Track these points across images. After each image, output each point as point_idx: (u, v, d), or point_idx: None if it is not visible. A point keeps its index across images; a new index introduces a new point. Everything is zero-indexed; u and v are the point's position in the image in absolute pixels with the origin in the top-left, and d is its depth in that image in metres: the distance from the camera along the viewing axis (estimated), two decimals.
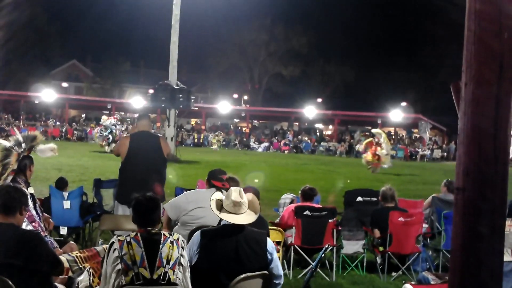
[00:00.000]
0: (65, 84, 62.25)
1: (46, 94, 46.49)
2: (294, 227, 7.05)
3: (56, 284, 4.09)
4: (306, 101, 52.96)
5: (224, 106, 49.84)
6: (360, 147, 27.65)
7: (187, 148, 37.91)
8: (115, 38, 67.88)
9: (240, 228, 4.17)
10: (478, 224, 2.59)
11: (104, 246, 4.79)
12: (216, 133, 45.57)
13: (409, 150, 43.12)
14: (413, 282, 5.53)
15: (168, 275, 3.71)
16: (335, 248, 7.17)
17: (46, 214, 5.84)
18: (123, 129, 29.44)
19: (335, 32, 58.15)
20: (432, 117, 48.38)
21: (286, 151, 43.43)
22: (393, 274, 7.16)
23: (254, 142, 46.63)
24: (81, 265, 4.68)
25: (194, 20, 41.74)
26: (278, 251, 5.60)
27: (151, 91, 27.01)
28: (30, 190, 5.34)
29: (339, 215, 7.68)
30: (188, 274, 3.86)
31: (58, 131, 43.53)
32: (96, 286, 4.45)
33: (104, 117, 32.05)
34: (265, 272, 4.12)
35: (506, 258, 4.08)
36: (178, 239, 3.86)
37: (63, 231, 7.54)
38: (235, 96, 65.75)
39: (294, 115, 52.88)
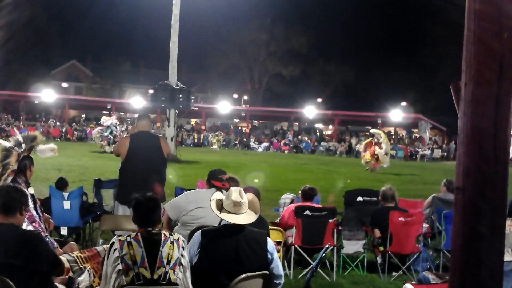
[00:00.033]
0: (65, 84, 62.22)
1: (46, 94, 46.52)
2: (294, 227, 7.05)
3: (56, 284, 4.09)
4: (306, 101, 52.97)
5: (224, 106, 49.84)
6: (360, 147, 27.65)
7: (187, 148, 37.91)
8: (115, 38, 67.94)
9: (240, 228, 4.17)
10: (478, 224, 2.59)
11: (105, 246, 4.80)
12: (216, 133, 45.59)
13: (409, 150, 43.13)
14: (413, 282, 5.52)
15: (169, 275, 3.71)
16: (335, 248, 7.17)
17: (46, 215, 5.84)
18: (123, 129, 29.46)
19: (335, 32, 58.23)
20: (432, 117, 48.40)
21: (286, 151, 43.43)
22: (394, 274, 7.16)
23: (254, 142, 46.64)
24: (82, 265, 4.68)
25: (194, 20, 41.77)
26: (278, 251, 5.61)
27: (151, 91, 27.00)
28: (30, 190, 5.34)
29: (339, 215, 7.68)
30: (188, 274, 3.86)
31: (58, 131, 43.54)
32: (96, 286, 4.46)
33: (104, 118, 31.98)
34: (266, 272, 4.12)
35: (507, 257, 4.08)
36: (178, 239, 3.87)
37: (64, 231, 7.54)
38: (235, 96, 65.74)
39: (294, 115, 52.88)
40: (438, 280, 4.82)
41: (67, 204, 7.69)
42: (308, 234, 7.07)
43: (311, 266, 6.67)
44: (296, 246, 7.00)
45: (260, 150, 44.21)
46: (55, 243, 5.16)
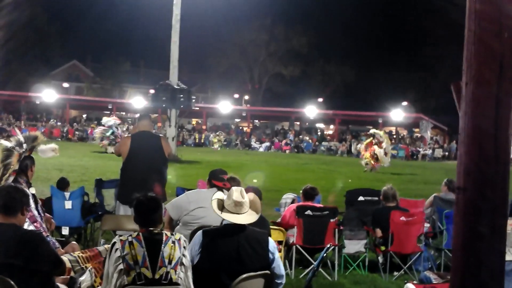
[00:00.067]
0: (65, 85, 62.22)
1: (47, 95, 46.55)
2: (295, 227, 7.05)
3: (58, 284, 4.09)
4: (306, 101, 52.94)
5: (225, 106, 49.83)
6: (361, 147, 27.66)
7: (188, 148, 37.94)
8: (115, 38, 67.86)
9: (241, 228, 4.17)
10: (479, 224, 2.59)
11: (106, 246, 4.80)
12: (217, 133, 45.59)
13: (410, 150, 43.12)
14: (415, 282, 5.52)
15: (170, 275, 3.72)
16: (336, 247, 7.17)
17: (47, 215, 5.85)
18: (124, 129, 29.45)
19: (335, 32, 58.15)
20: (433, 116, 48.36)
21: (287, 151, 43.42)
22: (395, 273, 7.17)
23: (255, 142, 46.62)
24: (83, 265, 4.69)
25: (194, 20, 41.74)
26: (279, 251, 5.61)
27: (152, 91, 27.04)
28: (32, 190, 5.35)
29: (340, 214, 7.68)
30: (190, 274, 3.87)
31: (59, 132, 43.60)
32: (98, 286, 4.46)
33: (106, 118, 31.84)
34: (267, 272, 4.12)
35: (508, 257, 4.08)
36: (179, 239, 3.87)
37: (65, 231, 7.55)
38: (236, 96, 65.74)
39: (295, 115, 52.85)
40: (440, 279, 4.82)
41: (68, 204, 7.70)
42: (309, 233, 7.07)
43: (312, 265, 6.67)
44: (297, 245, 7.00)
45: (261, 150, 44.20)
46: (56, 243, 5.17)
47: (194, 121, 57.84)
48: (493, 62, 2.58)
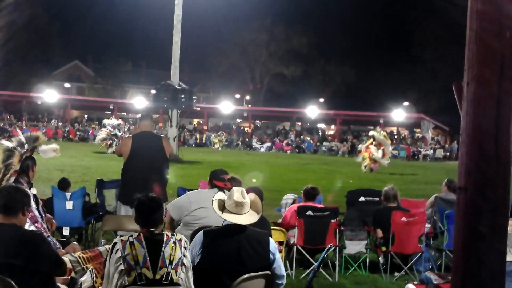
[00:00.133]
0: (67, 85, 62.31)
1: (48, 95, 46.61)
2: (296, 227, 7.05)
3: (58, 284, 4.10)
4: (307, 101, 52.97)
5: (226, 106, 49.86)
6: (361, 147, 27.69)
7: (189, 148, 37.94)
8: (117, 38, 67.85)
9: (242, 228, 4.17)
10: (479, 224, 2.59)
11: (107, 246, 4.80)
12: (219, 133, 45.60)
13: (411, 150, 43.09)
14: (415, 282, 5.53)
15: (171, 275, 3.72)
16: (337, 248, 7.17)
17: (48, 215, 5.85)
18: (125, 129, 29.47)
19: (335, 32, 58.17)
20: (434, 116, 48.35)
21: (288, 151, 43.43)
22: (396, 274, 7.16)
23: (256, 142, 46.62)
24: (84, 265, 4.69)
25: (195, 20, 41.72)
26: (280, 251, 5.61)
27: (153, 91, 27.05)
28: (33, 190, 5.35)
29: (341, 215, 7.68)
30: (190, 274, 3.87)
31: (61, 132, 43.67)
32: (98, 287, 4.46)
33: (107, 120, 31.74)
34: (268, 272, 4.12)
35: (509, 258, 4.07)
36: (180, 240, 3.87)
37: (66, 231, 7.56)
38: (237, 96, 65.76)
39: (296, 115, 52.86)
40: (441, 280, 4.81)
41: (69, 205, 7.71)
42: (310, 234, 7.07)
43: (313, 266, 6.68)
44: (298, 246, 7.00)
45: (262, 150, 44.20)
46: (57, 244, 5.17)
47: (195, 121, 57.89)
48: (494, 62, 2.58)
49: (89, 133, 42.64)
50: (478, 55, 2.61)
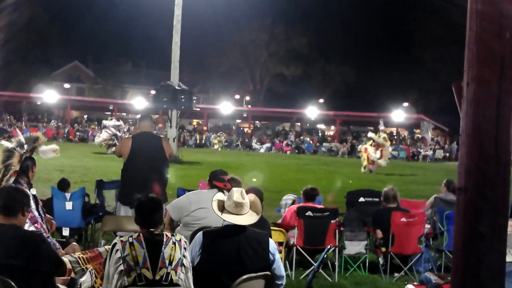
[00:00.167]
0: (66, 85, 62.32)
1: (48, 95, 46.61)
2: (296, 228, 7.05)
3: (58, 285, 4.09)
4: (307, 101, 52.98)
5: (226, 107, 49.86)
6: (361, 147, 27.73)
7: (189, 149, 37.93)
8: (116, 39, 67.81)
9: (242, 229, 4.17)
10: (479, 224, 2.59)
11: (107, 247, 4.80)
12: (218, 134, 45.59)
13: (411, 151, 43.10)
14: (415, 283, 5.53)
15: (171, 276, 3.72)
16: (337, 248, 7.17)
17: (48, 215, 5.85)
18: (125, 130, 29.46)
19: (335, 32, 58.17)
20: (434, 117, 48.36)
21: (288, 152, 43.42)
22: (396, 274, 7.16)
23: (256, 143, 46.62)
24: (84, 266, 4.68)
25: (195, 20, 41.74)
26: (280, 252, 5.60)
27: (153, 92, 27.03)
28: (33, 191, 5.35)
29: (341, 215, 7.68)
30: (190, 275, 3.87)
31: (60, 132, 43.69)
32: (98, 287, 4.46)
33: (108, 121, 31.70)
34: (267, 273, 4.12)
35: (509, 258, 4.07)
36: (180, 240, 3.87)
37: (66, 232, 7.55)
38: (237, 96, 65.77)
39: (296, 116, 52.86)
40: (440, 281, 4.81)
41: (69, 205, 7.70)
42: (310, 234, 7.07)
43: (313, 267, 6.67)
44: (298, 246, 7.00)
45: (262, 150, 44.20)
46: (57, 244, 5.16)
47: (195, 122, 57.88)
48: (494, 62, 2.58)
49: (89, 134, 42.63)
50: (478, 55, 2.61)
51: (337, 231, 7.23)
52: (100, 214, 7.96)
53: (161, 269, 3.70)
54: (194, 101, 27.16)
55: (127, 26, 69.03)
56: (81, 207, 7.82)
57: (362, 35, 59.88)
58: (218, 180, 5.77)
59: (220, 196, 4.40)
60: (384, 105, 49.06)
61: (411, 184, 19.89)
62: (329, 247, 6.76)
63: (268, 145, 45.86)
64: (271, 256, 4.18)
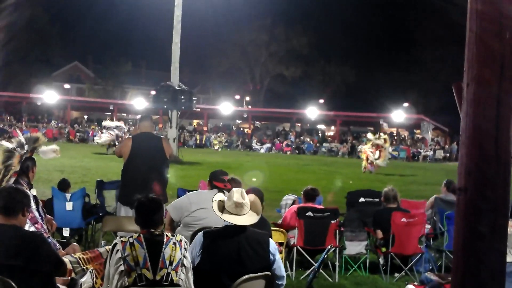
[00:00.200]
0: (67, 86, 62.33)
1: (48, 96, 46.62)
2: (296, 228, 7.05)
3: (58, 285, 4.09)
4: (307, 101, 52.99)
5: (226, 107, 49.87)
6: (361, 147, 27.76)
7: (189, 149, 37.94)
8: (116, 39, 67.77)
9: (242, 229, 4.17)
10: (479, 224, 2.59)
11: (107, 247, 4.80)
12: (218, 134, 45.59)
13: (411, 151, 43.09)
14: (415, 283, 5.53)
15: (171, 276, 3.72)
16: (337, 249, 7.17)
17: (48, 216, 5.85)
18: (125, 130, 29.46)
19: (335, 32, 58.16)
20: (434, 117, 48.36)
21: (288, 152, 43.42)
22: (396, 275, 7.16)
23: (256, 143, 46.62)
24: (84, 266, 4.68)
25: (195, 21, 41.72)
26: (280, 252, 5.60)
27: (153, 92, 27.03)
28: (33, 191, 5.35)
29: (341, 216, 7.68)
30: (190, 275, 3.87)
31: (61, 132, 43.73)
32: (98, 287, 4.46)
33: (108, 122, 31.65)
34: (268, 273, 4.12)
35: (509, 259, 4.07)
36: (181, 240, 3.87)
37: (66, 232, 7.55)
38: (237, 97, 65.77)
39: (296, 116, 52.86)
40: (441, 281, 4.81)
41: (69, 205, 7.70)
42: (310, 235, 7.07)
43: (313, 267, 6.68)
44: (298, 247, 7.00)
45: (262, 151, 44.20)
46: (57, 244, 5.16)
47: (195, 122, 57.88)
48: (494, 63, 2.58)
49: (89, 134, 42.64)
50: (478, 55, 2.61)
51: (337, 231, 7.23)
52: (101, 214, 7.96)
53: (162, 270, 3.70)
54: (194, 102, 27.16)
55: (127, 26, 69.11)
56: (81, 207, 7.81)
57: (362, 35, 59.91)
58: (218, 180, 5.78)
59: (220, 196, 4.40)
60: (384, 105, 49.09)
61: (411, 184, 19.89)
62: (329, 247, 6.76)
63: (268, 145, 45.86)
64: (271, 256, 4.18)
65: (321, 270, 6.82)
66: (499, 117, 2.57)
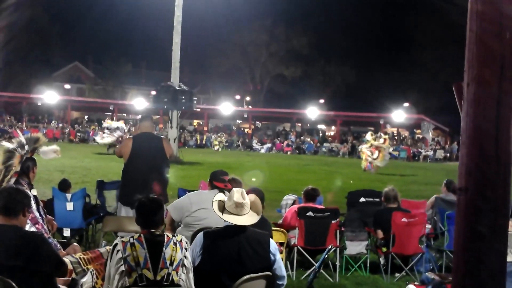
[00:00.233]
0: (67, 86, 62.33)
1: (49, 96, 46.62)
2: (297, 228, 7.05)
3: (59, 285, 4.09)
4: (308, 101, 52.99)
5: (226, 107, 49.88)
6: (361, 147, 27.76)
7: (189, 149, 37.94)
8: (117, 39, 67.91)
9: (242, 229, 4.17)
10: (479, 224, 2.59)
11: (108, 247, 4.80)
12: (219, 134, 45.60)
13: (411, 151, 43.08)
14: (416, 283, 5.53)
15: (172, 276, 3.72)
16: (338, 249, 7.17)
17: (49, 216, 5.85)
18: (125, 130, 29.47)
19: (335, 32, 58.16)
20: (434, 117, 48.34)
21: (288, 152, 43.43)
22: (397, 275, 7.16)
23: (256, 143, 46.62)
24: (85, 266, 4.69)
25: (195, 21, 41.73)
26: (281, 252, 5.61)
27: (153, 92, 27.04)
28: (33, 192, 5.35)
29: (342, 216, 7.68)
30: (191, 275, 3.87)
31: (61, 133, 43.74)
32: None
33: (108, 122, 31.63)
34: (268, 273, 4.12)
35: (509, 258, 4.07)
36: (181, 241, 3.87)
37: (67, 232, 7.55)
38: (237, 97, 65.77)
39: (296, 116, 52.88)
40: (441, 281, 4.81)
41: (70, 206, 7.70)
42: (311, 235, 7.07)
43: (313, 267, 6.68)
44: (298, 247, 7.00)
45: (262, 151, 44.21)
46: (58, 245, 5.16)
47: (195, 122, 57.89)
48: (494, 63, 2.58)
49: (90, 134, 42.65)
50: (478, 55, 2.61)
51: (338, 231, 7.23)
52: (101, 214, 7.96)
53: (162, 270, 3.70)
54: (195, 102, 27.17)
55: (127, 26, 69.17)
56: (82, 207, 7.81)
57: (362, 35, 59.92)
58: (219, 180, 5.78)
59: (220, 196, 4.40)
60: (385, 105, 49.09)
61: (412, 184, 19.89)
62: (330, 247, 6.76)
63: (268, 145, 45.87)
64: (271, 257, 4.18)
65: (321, 270, 6.82)
66: (499, 117, 2.57)
